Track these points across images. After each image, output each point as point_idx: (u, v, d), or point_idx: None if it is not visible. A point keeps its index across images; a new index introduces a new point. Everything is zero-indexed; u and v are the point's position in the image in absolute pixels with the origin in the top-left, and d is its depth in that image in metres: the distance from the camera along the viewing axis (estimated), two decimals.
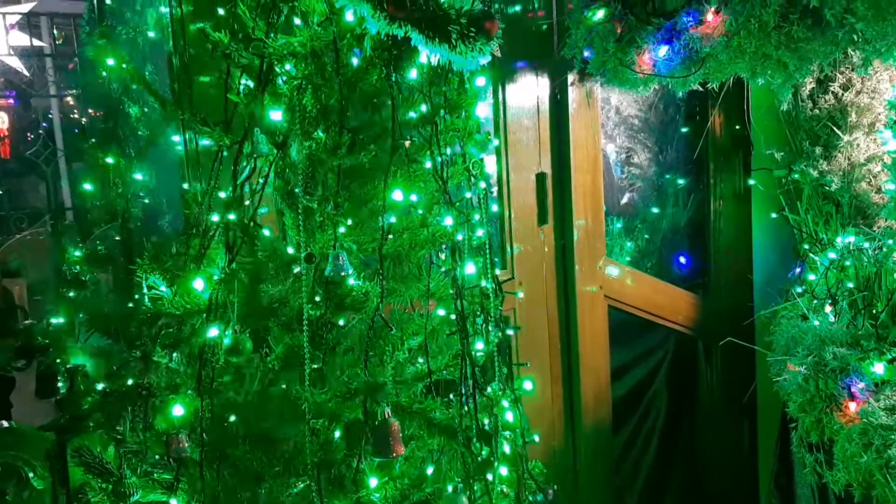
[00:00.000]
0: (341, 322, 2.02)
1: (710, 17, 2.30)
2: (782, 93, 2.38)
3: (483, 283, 2.19)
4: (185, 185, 2.74)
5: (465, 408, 2.09)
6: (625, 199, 4.34)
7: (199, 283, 2.01)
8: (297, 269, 2.07)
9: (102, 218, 3.06)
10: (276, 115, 1.94)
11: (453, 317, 2.18)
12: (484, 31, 1.95)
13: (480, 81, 2.17)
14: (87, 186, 3.15)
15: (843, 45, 2.14)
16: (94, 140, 3.21)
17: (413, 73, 2.00)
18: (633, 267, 3.89)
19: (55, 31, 8.18)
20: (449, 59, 1.94)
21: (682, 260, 4.17)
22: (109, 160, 3.10)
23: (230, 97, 2.02)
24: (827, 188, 3.47)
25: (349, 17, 1.92)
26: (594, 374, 3.59)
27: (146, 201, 3.18)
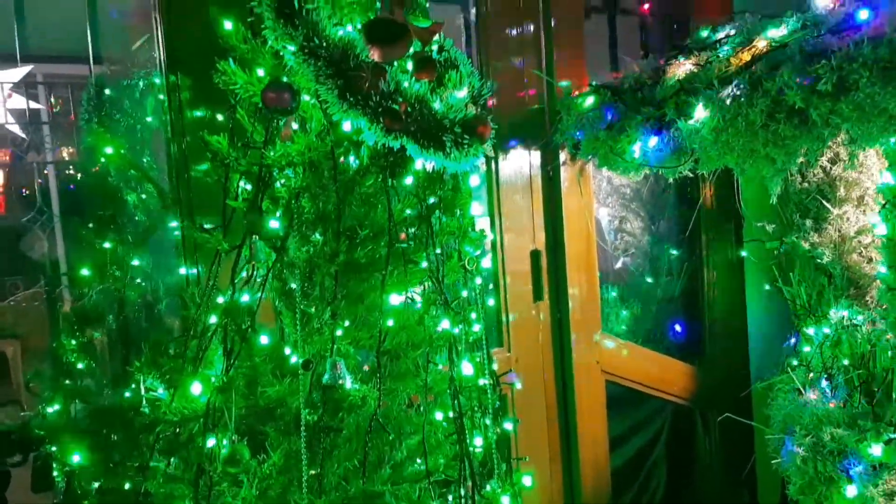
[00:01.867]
0: (339, 425, 2.02)
1: (698, 112, 2.35)
2: (772, 185, 2.42)
3: (481, 381, 2.19)
4: (182, 271, 2.77)
5: None
6: (619, 264, 4.37)
7: (196, 388, 2.01)
8: (293, 359, 2.08)
9: (100, 304, 3.08)
10: (274, 223, 1.97)
11: (451, 413, 2.18)
12: (477, 136, 2.00)
13: (474, 181, 2.20)
14: (85, 272, 3.17)
15: (829, 140, 2.18)
16: (91, 225, 3.24)
17: (409, 180, 2.03)
18: (629, 335, 3.90)
19: (52, 99, 8.28)
20: (443, 165, 1.98)
21: (678, 328, 4.18)
22: (107, 245, 3.13)
23: (229, 203, 2.05)
24: (819, 260, 3.50)
25: (346, 127, 1.96)
26: (592, 449, 3.57)
27: (143, 285, 3.19)
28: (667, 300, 4.16)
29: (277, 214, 2.09)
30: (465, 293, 2.17)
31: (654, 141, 2.52)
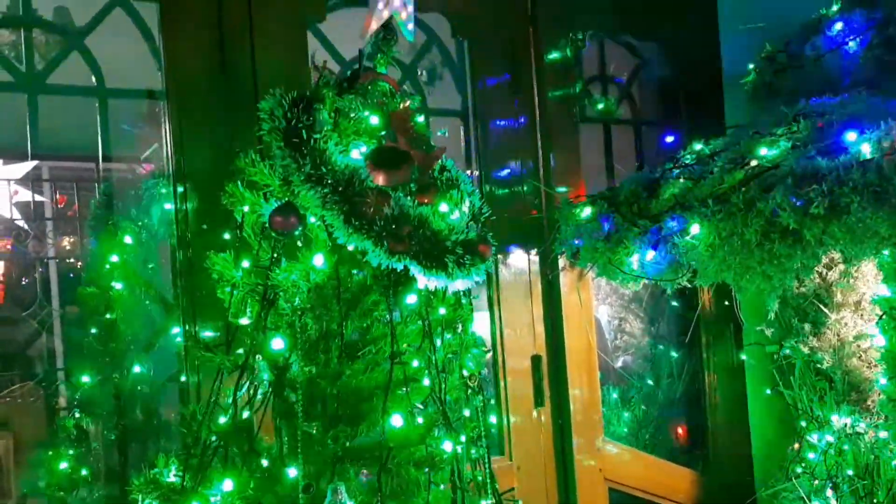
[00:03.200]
0: None
1: (694, 228, 2.40)
2: (769, 302, 2.46)
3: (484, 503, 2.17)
4: (183, 378, 2.77)
5: None
6: (619, 364, 4.36)
7: None
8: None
9: (101, 412, 3.07)
10: (277, 343, 1.99)
11: None
12: (478, 255, 2.04)
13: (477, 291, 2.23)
14: (86, 378, 3.17)
15: (823, 256, 2.22)
16: (94, 331, 3.25)
17: (411, 298, 2.06)
18: (630, 437, 3.87)
19: (57, 195, 8.41)
20: (445, 284, 2.01)
21: (680, 431, 4.15)
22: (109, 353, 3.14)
23: (232, 321, 2.08)
24: (819, 365, 3.50)
25: (350, 247, 2.00)
26: None
27: (145, 391, 3.19)
28: (668, 403, 4.13)
29: (280, 332, 2.11)
30: (466, 412, 2.17)
31: (651, 254, 2.57)
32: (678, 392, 4.13)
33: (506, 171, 3.54)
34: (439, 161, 2.09)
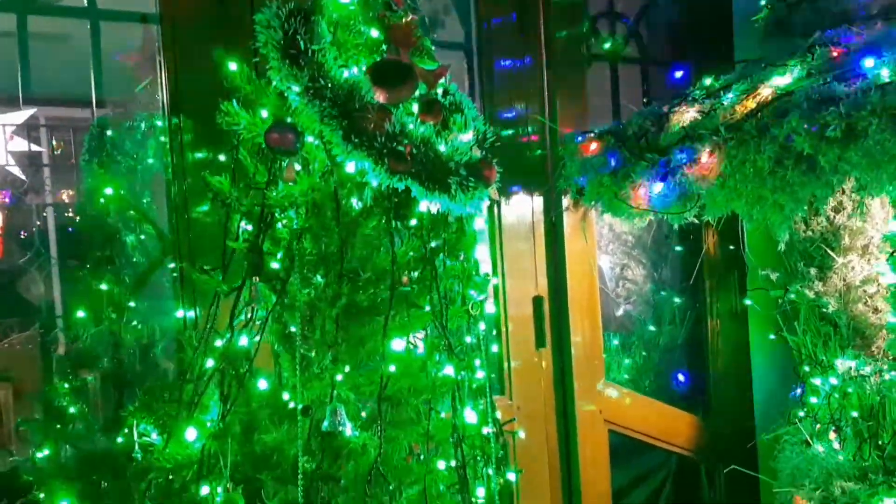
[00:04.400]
0: (337, 474, 1.95)
1: (704, 157, 2.34)
2: (779, 232, 2.39)
3: (485, 430, 2.13)
4: (180, 313, 2.72)
5: None
6: (620, 312, 4.32)
7: (191, 433, 1.95)
8: (291, 405, 2.03)
9: (95, 348, 3.02)
10: (275, 265, 1.93)
11: (453, 462, 2.12)
12: (482, 179, 1.98)
13: (479, 223, 2.17)
14: (81, 314, 3.11)
15: (838, 187, 2.16)
16: (88, 266, 3.20)
17: (413, 222, 2.00)
18: (631, 384, 3.84)
19: (53, 141, 8.31)
20: (448, 207, 1.95)
21: (681, 378, 4.12)
22: (103, 286, 3.08)
23: (229, 244, 2.02)
24: (824, 309, 3.46)
25: (350, 168, 1.94)
26: (595, 501, 3.48)
27: (139, 328, 3.14)
28: (670, 349, 4.10)
29: (279, 256, 2.05)
30: (468, 339, 2.12)
31: (659, 187, 2.50)
32: (680, 338, 4.10)
33: (510, 112, 3.47)
34: (443, 79, 2.01)
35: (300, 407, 1.89)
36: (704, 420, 3.82)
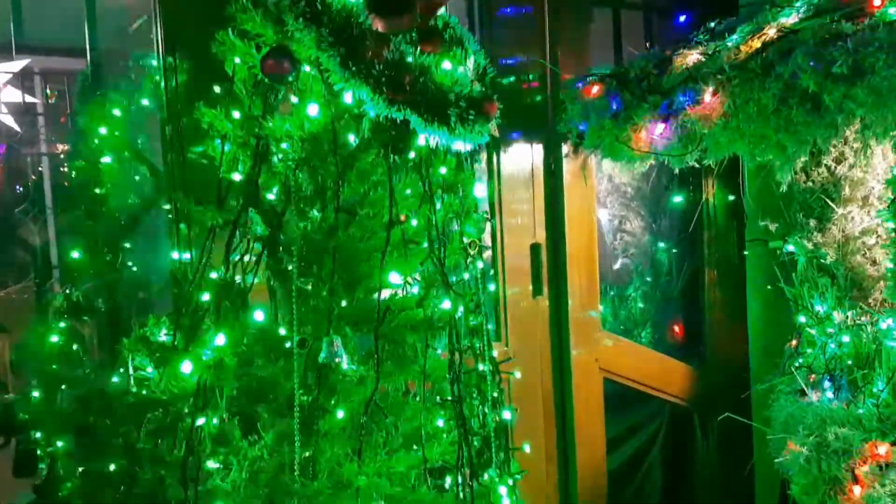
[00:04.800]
0: (334, 407, 1.95)
1: (707, 97, 2.30)
2: (781, 174, 2.37)
3: (480, 367, 2.13)
4: (175, 255, 2.70)
5: (462, 496, 2.02)
6: (617, 265, 4.31)
7: (186, 366, 1.94)
8: (287, 345, 2.02)
9: (90, 288, 3.00)
10: (270, 196, 1.90)
11: (449, 400, 2.12)
12: (483, 113, 1.95)
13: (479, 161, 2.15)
14: (75, 255, 3.09)
15: (842, 128, 2.13)
16: (83, 207, 3.17)
17: (411, 155, 1.97)
18: (626, 335, 3.84)
19: (48, 90, 8.21)
20: (447, 141, 1.92)
21: (677, 329, 4.13)
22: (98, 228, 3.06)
23: (224, 176, 1.99)
24: (822, 260, 3.45)
25: (347, 98, 1.90)
26: (589, 448, 3.51)
27: (134, 269, 3.12)
28: (666, 301, 4.10)
29: (274, 190, 2.03)
30: (466, 276, 2.11)
31: (660, 128, 2.47)
32: (677, 290, 4.10)
33: (511, 59, 3.41)
34: (443, 7, 1.96)
35: (297, 340, 1.87)
36: (699, 370, 3.83)
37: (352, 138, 2.07)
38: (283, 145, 1.98)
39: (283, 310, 2.12)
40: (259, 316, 2.00)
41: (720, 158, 2.47)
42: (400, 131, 1.93)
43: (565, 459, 3.47)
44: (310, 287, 1.96)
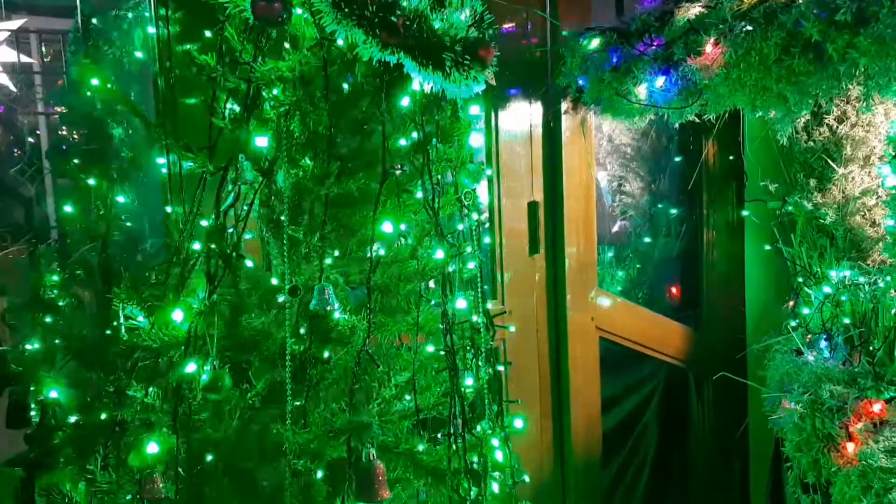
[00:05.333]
0: (326, 356, 1.93)
1: (708, 48, 2.26)
2: (782, 126, 2.33)
3: (474, 318, 2.11)
4: (168, 209, 2.67)
5: (454, 447, 2.01)
6: (616, 228, 4.29)
7: (177, 315, 1.93)
8: (280, 299, 2.00)
9: (83, 241, 2.98)
10: (261, 141, 1.87)
11: (442, 352, 2.11)
12: (479, 59, 1.90)
13: (474, 110, 2.11)
14: (68, 209, 3.06)
15: (845, 79, 2.09)
16: (76, 160, 3.13)
17: (405, 101, 1.94)
18: (624, 297, 3.83)
19: (43, 49, 8.11)
20: (442, 87, 1.88)
21: (674, 291, 4.12)
22: (91, 182, 3.02)
23: (215, 122, 1.95)
24: (821, 221, 3.43)
25: (340, 42, 1.86)
26: (585, 407, 3.51)
27: (128, 224, 3.09)
28: (664, 262, 4.08)
29: (266, 138, 1.99)
30: (461, 227, 2.08)
31: (661, 81, 2.43)
32: (675, 251, 4.08)
33: (510, 10, 3.35)
34: None
35: (288, 287, 1.85)
36: (696, 331, 3.83)
37: (345, 86, 2.04)
38: (275, 91, 1.95)
39: (275, 260, 2.10)
40: (250, 263, 1.98)
41: (720, 112, 2.44)
42: (393, 76, 1.89)
43: (560, 418, 3.48)
44: (301, 236, 1.93)
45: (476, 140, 2.13)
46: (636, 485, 3.86)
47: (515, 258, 3.35)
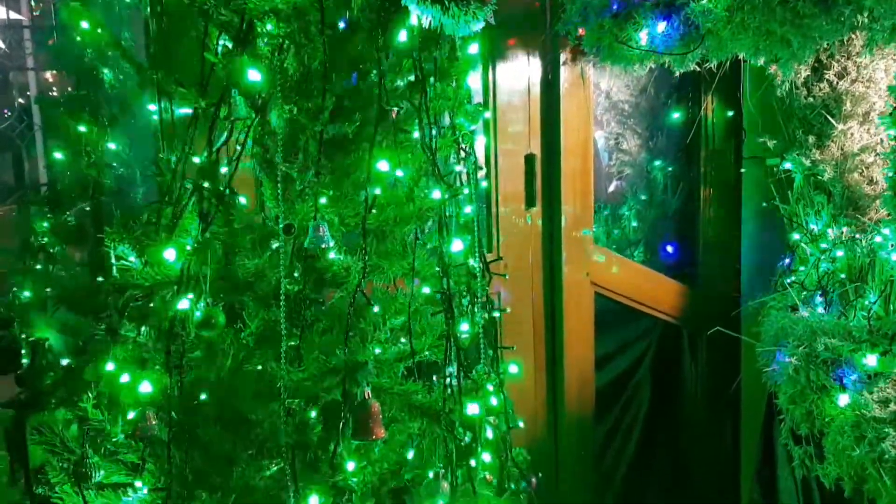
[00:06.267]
0: (320, 298, 1.91)
1: None
2: (785, 71, 2.29)
3: (470, 262, 2.09)
4: (161, 156, 2.63)
5: (449, 390, 2.00)
6: (612, 188, 4.26)
7: (170, 254, 1.90)
8: (275, 245, 1.97)
9: (73, 188, 2.93)
10: (254, 74, 1.83)
11: (438, 296, 2.09)
12: None
13: (473, 49, 2.07)
14: (58, 155, 3.01)
15: (849, 23, 2.05)
16: (65, 107, 3.07)
17: (402, 36, 1.89)
18: (618, 254, 3.82)
19: (33, 2, 7.97)
20: (441, 23, 1.84)
21: (670, 249, 4.10)
22: (81, 128, 2.97)
23: (207, 57, 1.91)
24: (819, 178, 3.40)
25: None
26: (578, 363, 3.51)
27: (119, 172, 3.05)
28: (660, 220, 4.06)
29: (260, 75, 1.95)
30: (459, 168, 2.05)
31: (662, 26, 2.39)
32: (671, 209, 4.06)
33: None
34: None
35: (282, 225, 1.83)
36: (691, 288, 3.82)
37: (341, 24, 2.00)
38: (269, 27, 1.90)
39: (269, 201, 2.07)
40: (243, 201, 1.94)
41: (722, 59, 2.40)
42: (390, 10, 1.84)
43: (553, 372, 3.48)
44: (296, 173, 1.90)
45: (474, 80, 2.08)
46: (629, 439, 3.88)
47: (511, 213, 3.33)
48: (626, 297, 3.62)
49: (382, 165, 1.88)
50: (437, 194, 1.95)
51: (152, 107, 2.66)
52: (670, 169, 4.03)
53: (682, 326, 3.83)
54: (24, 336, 2.67)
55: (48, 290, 2.76)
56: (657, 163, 4.08)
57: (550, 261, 3.44)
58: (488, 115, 3.08)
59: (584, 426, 3.57)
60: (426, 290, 2.09)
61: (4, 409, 2.07)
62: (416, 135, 1.99)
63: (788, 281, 3.28)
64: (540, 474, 2.29)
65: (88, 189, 2.90)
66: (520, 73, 3.27)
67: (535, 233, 3.40)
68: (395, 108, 1.96)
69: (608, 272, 3.56)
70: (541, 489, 2.39)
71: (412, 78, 2.02)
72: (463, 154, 2.07)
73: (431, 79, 1.98)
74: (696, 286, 3.84)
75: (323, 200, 1.90)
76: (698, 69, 2.61)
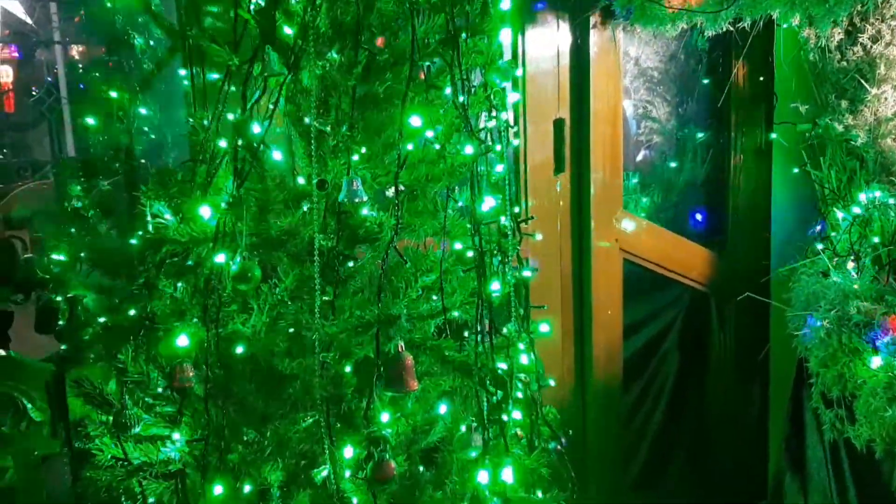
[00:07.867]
0: (353, 254, 1.93)
1: None
2: (822, 27, 2.26)
3: (502, 220, 2.09)
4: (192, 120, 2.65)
5: (480, 347, 2.01)
6: (640, 157, 4.23)
7: (205, 211, 1.92)
8: (306, 207, 1.99)
9: (105, 153, 2.96)
10: (287, 30, 1.83)
11: (469, 254, 2.09)
12: None
13: (505, 4, 2.05)
14: (90, 121, 3.04)
15: None
16: (97, 73, 3.10)
17: None
18: (648, 221, 3.80)
19: None
20: None
21: (699, 217, 4.07)
22: (113, 94, 2.99)
23: (240, 13, 1.91)
24: (852, 143, 3.36)
25: None
26: (607, 329, 3.51)
27: (151, 137, 3.08)
28: (689, 187, 4.03)
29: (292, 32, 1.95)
30: (492, 123, 2.05)
31: None
32: (701, 176, 4.02)
33: None
34: None
35: (315, 181, 1.84)
36: (720, 255, 3.79)
37: None
38: None
39: (301, 160, 2.08)
40: (277, 156, 1.96)
41: (756, 17, 2.36)
42: None
43: (581, 338, 3.48)
44: (329, 129, 1.91)
45: (505, 38, 2.07)
46: (656, 407, 3.88)
47: (540, 178, 3.32)
48: (655, 263, 3.60)
49: (415, 121, 1.88)
50: (469, 150, 1.94)
51: (183, 71, 2.69)
52: (700, 136, 3.99)
53: (711, 294, 3.81)
54: (59, 298, 2.72)
55: (82, 254, 2.81)
56: (686, 129, 4.04)
57: (579, 227, 3.43)
58: (519, 72, 3.05)
59: (612, 393, 3.58)
60: (458, 245, 2.09)
61: (45, 364, 2.11)
62: (448, 91, 1.98)
63: (819, 247, 3.26)
64: (570, 431, 2.29)
65: (121, 154, 2.93)
66: (549, 37, 3.25)
67: (564, 199, 3.39)
68: (427, 65, 1.95)
69: (637, 239, 3.55)
70: (569, 449, 2.40)
71: (446, 22, 2.00)
72: (494, 112, 2.06)
73: (464, 34, 1.96)
74: (726, 253, 3.82)
75: (355, 158, 1.91)
76: (731, 29, 2.57)
